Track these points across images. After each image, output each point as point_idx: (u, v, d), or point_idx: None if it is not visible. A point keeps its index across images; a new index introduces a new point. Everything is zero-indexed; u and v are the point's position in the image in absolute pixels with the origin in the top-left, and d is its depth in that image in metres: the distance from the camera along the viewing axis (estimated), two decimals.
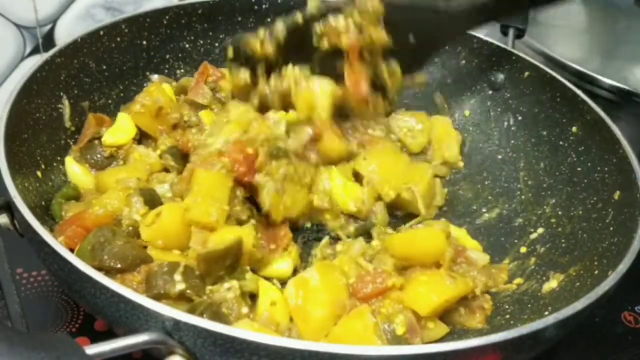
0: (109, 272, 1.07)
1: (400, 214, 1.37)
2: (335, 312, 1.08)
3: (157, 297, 0.98)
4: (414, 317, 1.10)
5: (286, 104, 1.36)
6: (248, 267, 1.14)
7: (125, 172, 1.26)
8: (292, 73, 1.36)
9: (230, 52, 1.39)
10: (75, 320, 1.21)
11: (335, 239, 1.31)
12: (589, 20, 1.83)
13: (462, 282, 1.14)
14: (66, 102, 1.33)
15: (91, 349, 0.76)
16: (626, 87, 1.48)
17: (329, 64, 1.36)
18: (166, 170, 1.32)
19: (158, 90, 1.39)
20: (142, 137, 1.37)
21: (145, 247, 1.14)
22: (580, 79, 1.48)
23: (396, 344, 1.03)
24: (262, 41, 1.37)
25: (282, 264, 1.19)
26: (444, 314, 1.14)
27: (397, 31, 1.34)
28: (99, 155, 1.32)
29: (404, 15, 1.34)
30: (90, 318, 1.20)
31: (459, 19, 1.35)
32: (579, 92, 1.37)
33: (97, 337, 1.17)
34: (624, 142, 1.23)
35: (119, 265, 1.07)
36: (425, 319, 1.10)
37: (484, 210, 1.41)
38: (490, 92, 1.55)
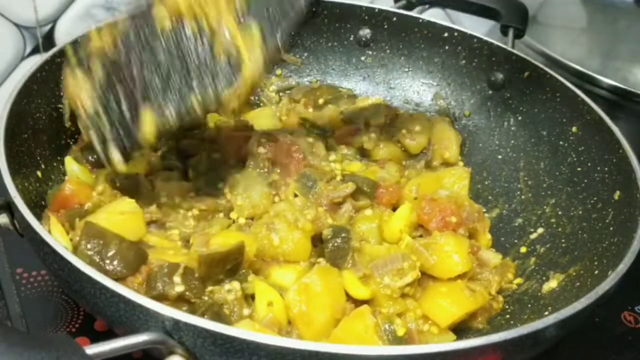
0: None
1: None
2: (336, 316, 1.08)
3: (157, 299, 0.98)
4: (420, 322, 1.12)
5: None
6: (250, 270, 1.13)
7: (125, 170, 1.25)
8: None
9: (69, 52, 1.20)
10: (75, 320, 1.21)
11: None
12: (589, 20, 1.83)
13: (481, 295, 1.16)
14: (66, 102, 1.32)
15: (91, 349, 0.76)
16: (626, 87, 1.48)
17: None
18: (168, 169, 1.32)
19: None
20: None
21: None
22: (580, 79, 1.48)
23: (397, 345, 1.03)
24: (100, 30, 1.18)
25: (285, 276, 1.17)
26: None
27: None
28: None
29: None
30: (90, 318, 1.20)
31: None
32: (579, 92, 1.37)
33: (97, 337, 1.17)
34: (624, 142, 1.23)
35: (124, 271, 1.07)
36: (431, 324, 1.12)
37: (483, 210, 1.41)
38: (490, 92, 1.55)
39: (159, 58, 1.12)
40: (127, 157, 1.16)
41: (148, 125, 1.11)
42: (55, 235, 1.09)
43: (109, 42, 1.15)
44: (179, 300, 1.03)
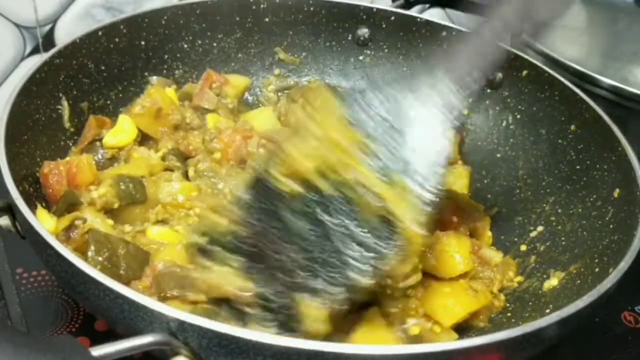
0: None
1: None
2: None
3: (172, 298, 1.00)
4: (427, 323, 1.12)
5: None
6: None
7: (126, 171, 1.25)
8: None
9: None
10: (75, 321, 1.21)
11: None
12: (589, 20, 1.83)
13: (484, 295, 1.16)
14: (65, 103, 1.33)
15: (96, 351, 0.76)
16: (626, 87, 1.48)
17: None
18: (169, 170, 1.32)
19: (158, 92, 1.39)
20: (143, 139, 1.37)
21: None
22: (580, 79, 1.48)
23: (413, 343, 1.03)
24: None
25: None
26: None
27: None
28: (100, 157, 1.31)
29: None
30: (91, 318, 1.20)
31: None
32: (577, 90, 1.37)
33: (97, 337, 1.17)
34: (623, 140, 1.23)
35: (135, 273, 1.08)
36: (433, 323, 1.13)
37: (483, 209, 1.41)
38: (488, 90, 1.55)
39: (298, 233, 0.99)
40: None
41: (314, 317, 0.97)
42: (41, 218, 1.10)
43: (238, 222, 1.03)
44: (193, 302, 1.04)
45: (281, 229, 0.99)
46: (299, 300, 0.96)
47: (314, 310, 0.96)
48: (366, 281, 0.97)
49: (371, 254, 0.97)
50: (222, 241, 1.02)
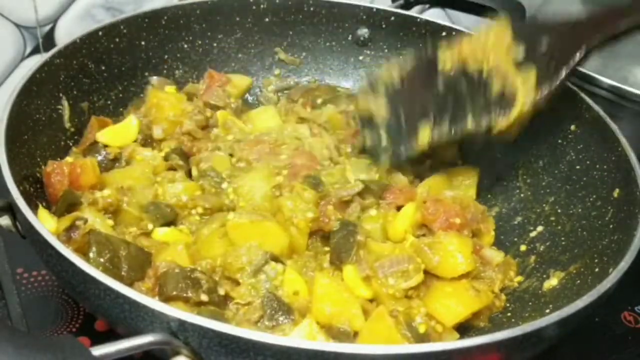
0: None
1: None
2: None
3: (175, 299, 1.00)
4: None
5: None
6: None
7: (130, 173, 1.26)
8: None
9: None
10: (75, 320, 1.21)
11: None
12: None
13: (485, 295, 1.17)
14: (65, 103, 1.33)
15: (97, 350, 0.76)
16: (626, 87, 1.48)
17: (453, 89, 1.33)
18: (172, 169, 1.32)
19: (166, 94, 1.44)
20: (145, 140, 1.38)
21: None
22: (580, 79, 1.48)
23: (420, 342, 1.05)
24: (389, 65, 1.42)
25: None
26: None
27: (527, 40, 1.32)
28: (102, 157, 1.31)
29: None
30: (91, 318, 1.21)
31: (597, 21, 1.36)
32: (577, 90, 1.37)
33: (97, 337, 1.17)
34: (623, 140, 1.23)
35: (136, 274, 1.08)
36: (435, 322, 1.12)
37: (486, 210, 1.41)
38: None
39: (437, 89, 1.34)
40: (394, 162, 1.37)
41: (424, 136, 1.31)
42: (42, 218, 1.10)
43: (396, 76, 1.39)
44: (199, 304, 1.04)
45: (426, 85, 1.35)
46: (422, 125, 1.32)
47: (426, 131, 1.30)
48: (470, 128, 1.29)
49: (487, 114, 1.28)
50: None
